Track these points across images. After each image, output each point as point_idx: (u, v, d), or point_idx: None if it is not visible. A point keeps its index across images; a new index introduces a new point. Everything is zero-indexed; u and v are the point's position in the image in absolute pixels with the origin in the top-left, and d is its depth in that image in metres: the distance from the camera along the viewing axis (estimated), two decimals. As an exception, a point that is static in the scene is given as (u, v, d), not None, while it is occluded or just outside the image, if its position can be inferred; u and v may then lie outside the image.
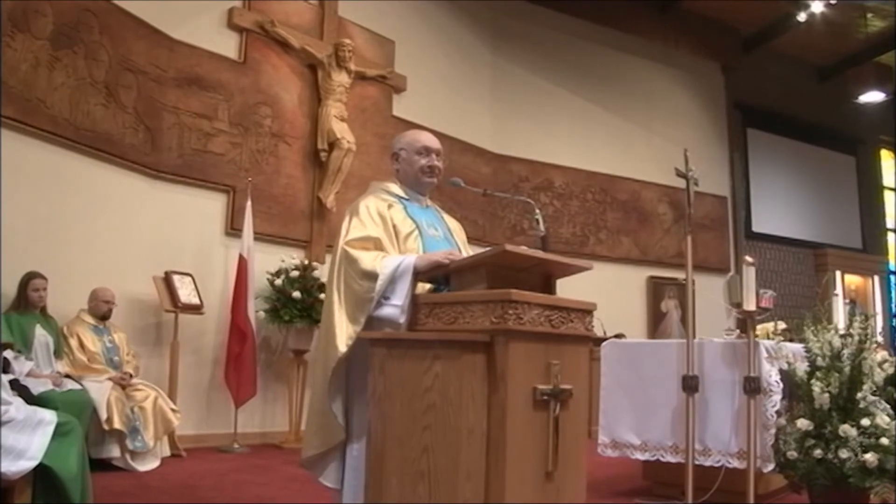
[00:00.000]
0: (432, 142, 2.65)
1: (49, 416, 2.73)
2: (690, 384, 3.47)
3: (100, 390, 4.35)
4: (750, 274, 3.45)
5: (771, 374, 3.48)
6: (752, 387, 3.37)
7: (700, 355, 3.61)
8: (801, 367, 3.52)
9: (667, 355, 3.74)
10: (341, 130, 6.38)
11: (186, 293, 5.33)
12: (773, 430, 3.42)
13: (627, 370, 3.87)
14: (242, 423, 5.52)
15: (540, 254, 2.35)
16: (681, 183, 3.66)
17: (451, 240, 2.64)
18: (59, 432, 2.70)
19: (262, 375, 5.79)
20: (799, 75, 10.94)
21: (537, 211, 2.66)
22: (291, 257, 5.97)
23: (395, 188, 2.64)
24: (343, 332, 2.29)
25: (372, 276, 2.28)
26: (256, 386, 5.51)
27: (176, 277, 5.33)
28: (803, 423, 3.32)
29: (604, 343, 4.11)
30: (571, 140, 8.87)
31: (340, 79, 6.47)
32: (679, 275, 8.91)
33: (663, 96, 9.69)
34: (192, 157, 5.69)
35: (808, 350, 3.53)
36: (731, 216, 10.12)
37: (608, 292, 7.65)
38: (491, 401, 2.07)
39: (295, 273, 5.81)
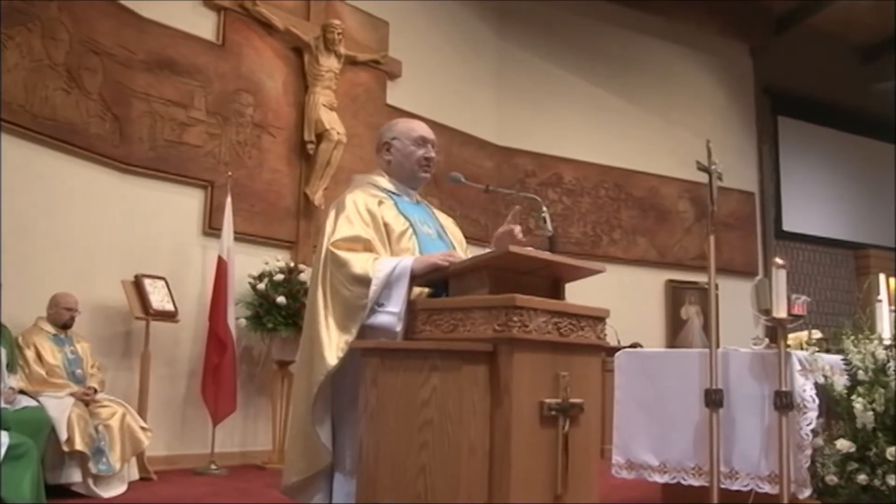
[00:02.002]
0: (428, 132, 2.68)
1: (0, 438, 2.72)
2: (714, 399, 3.46)
3: (59, 407, 4.32)
4: (780, 277, 3.45)
5: (805, 389, 3.46)
6: (784, 402, 3.36)
7: (725, 367, 3.60)
8: (840, 382, 3.51)
9: (688, 367, 3.74)
10: (330, 120, 6.39)
11: (159, 299, 5.33)
12: (808, 452, 3.40)
13: (644, 383, 3.87)
14: (220, 442, 5.52)
15: (547, 255, 2.35)
16: (703, 177, 3.66)
17: (445, 238, 2.64)
18: (12, 455, 2.68)
19: (243, 389, 5.79)
20: (838, 56, 10.85)
21: (545, 209, 2.67)
22: (276, 259, 5.98)
23: (384, 182, 2.64)
24: (333, 342, 2.29)
25: (364, 281, 2.28)
26: (236, 401, 5.51)
27: (147, 281, 5.33)
28: (844, 445, 3.30)
29: (618, 353, 4.11)
30: (583, 131, 8.88)
31: (329, 64, 6.48)
32: (701, 278, 8.90)
33: (685, 82, 9.70)
34: (165, 149, 5.69)
35: (847, 362, 3.52)
36: (759, 214, 10.13)
37: (623, 297, 7.67)
38: (494, 416, 2.07)
39: (279, 276, 5.82)
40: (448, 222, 2.77)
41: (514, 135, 8.41)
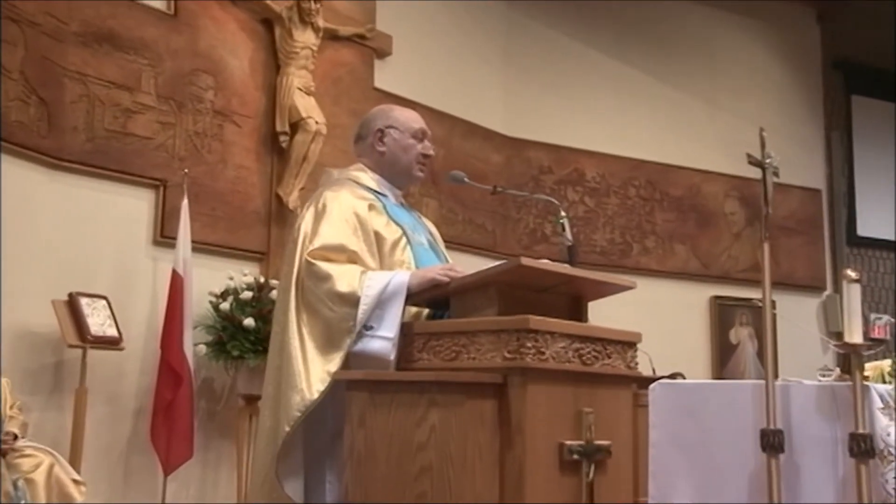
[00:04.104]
0: (426, 125, 2.73)
1: None
2: (773, 442, 3.46)
3: (-33, 459, 4.31)
4: (854, 293, 3.46)
5: (889, 432, 3.44)
6: (862, 448, 3.33)
7: (785, 402, 3.60)
8: (935, 423, 3.51)
9: (739, 402, 3.74)
10: (307, 107, 6.42)
11: (99, 322, 5.34)
12: (898, 510, 3.40)
13: (686, 421, 3.87)
14: (173, 495, 5.52)
15: (567, 269, 2.38)
16: (756, 172, 3.68)
17: (437, 249, 2.67)
18: None
19: (202, 430, 5.79)
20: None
21: (563, 212, 2.70)
22: (242, 273, 5.99)
23: (366, 178, 2.67)
24: (312, 372, 2.31)
25: (350, 300, 2.30)
26: (193, 445, 5.51)
27: (84, 301, 5.34)
28: (946, 503, 3.30)
29: (653, 385, 4.12)
30: (609, 118, 8.91)
31: (305, 39, 6.52)
32: (754, 294, 8.89)
33: (734, 57, 9.72)
34: (106, 140, 5.71)
35: (944, 399, 3.53)
36: (827, 216, 10.14)
37: (658, 318, 7.69)
38: (504, 461, 2.09)
39: (247, 294, 5.83)
40: (435, 230, 2.81)
41: (527, 124, 8.44)
